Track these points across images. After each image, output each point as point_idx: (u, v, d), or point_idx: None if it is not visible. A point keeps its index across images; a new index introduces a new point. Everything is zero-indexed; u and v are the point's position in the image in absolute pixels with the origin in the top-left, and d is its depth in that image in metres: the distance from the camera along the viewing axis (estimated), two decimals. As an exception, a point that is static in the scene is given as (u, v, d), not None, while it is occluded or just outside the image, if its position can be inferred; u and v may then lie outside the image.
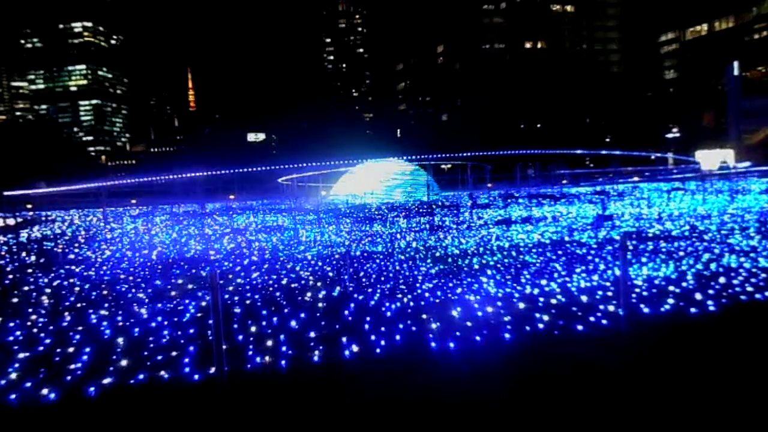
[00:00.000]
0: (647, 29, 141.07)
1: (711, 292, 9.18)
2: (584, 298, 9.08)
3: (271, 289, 11.02)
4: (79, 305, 10.21)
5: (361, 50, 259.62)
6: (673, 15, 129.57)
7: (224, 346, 6.16)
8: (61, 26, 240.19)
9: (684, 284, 9.83)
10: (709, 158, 78.05)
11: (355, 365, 6.63)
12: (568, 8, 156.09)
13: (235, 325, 8.23)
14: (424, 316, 8.32)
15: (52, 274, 13.83)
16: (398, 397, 5.69)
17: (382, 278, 11.51)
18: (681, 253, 13.06)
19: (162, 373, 6.49)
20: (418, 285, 10.63)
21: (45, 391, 6.01)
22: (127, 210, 46.90)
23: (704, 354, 6.58)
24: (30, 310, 9.84)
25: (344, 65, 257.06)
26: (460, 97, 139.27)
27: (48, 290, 11.77)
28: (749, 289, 9.29)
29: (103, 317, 9.19)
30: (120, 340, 7.83)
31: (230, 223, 29.00)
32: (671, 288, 9.57)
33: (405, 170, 55.31)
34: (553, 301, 9.04)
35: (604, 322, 7.79)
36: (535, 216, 25.52)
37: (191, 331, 8.14)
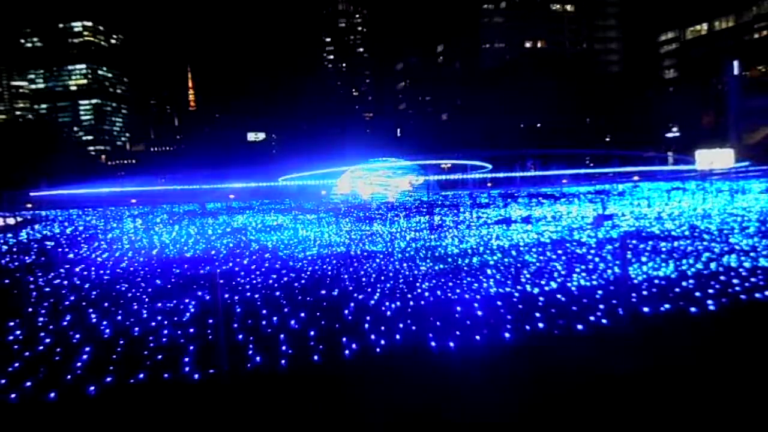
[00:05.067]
0: (647, 29, 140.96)
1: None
2: (584, 297, 9.08)
3: (269, 290, 11.02)
4: (77, 304, 10.21)
5: (361, 50, 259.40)
6: (673, 14, 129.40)
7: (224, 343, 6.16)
8: (61, 26, 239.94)
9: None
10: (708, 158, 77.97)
11: (356, 363, 6.64)
12: (568, 8, 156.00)
13: (235, 324, 8.24)
14: (426, 316, 8.32)
15: (52, 274, 13.84)
16: (398, 398, 5.69)
17: (382, 278, 11.51)
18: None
19: (163, 371, 6.49)
20: (417, 285, 10.64)
21: (40, 389, 6.02)
22: (127, 209, 46.91)
23: (703, 353, 6.60)
24: (30, 309, 9.83)
25: (344, 65, 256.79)
26: (460, 97, 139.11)
27: (47, 289, 11.77)
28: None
29: (102, 316, 9.18)
30: (119, 338, 7.83)
31: (230, 223, 29.00)
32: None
33: (405, 170, 55.35)
34: (553, 300, 9.04)
35: (603, 321, 7.79)
36: (535, 215, 25.53)
37: (191, 330, 8.14)
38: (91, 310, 9.63)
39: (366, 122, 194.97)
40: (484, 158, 71.46)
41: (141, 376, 6.39)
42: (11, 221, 34.80)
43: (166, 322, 8.65)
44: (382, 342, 7.22)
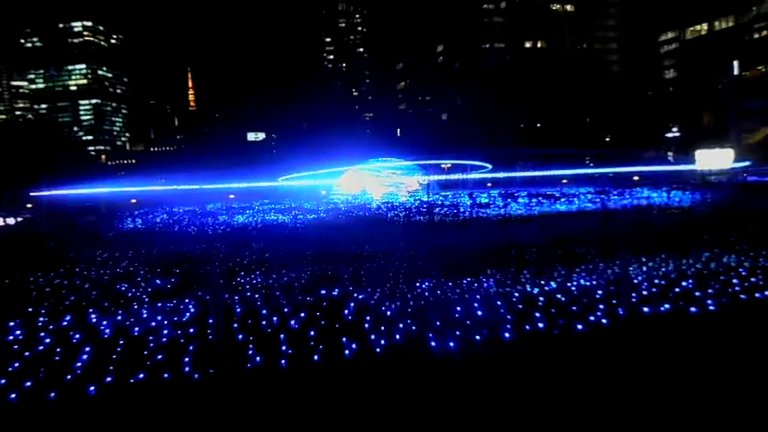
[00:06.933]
0: (647, 29, 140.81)
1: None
2: (583, 297, 9.09)
3: (269, 290, 11.04)
4: (77, 302, 10.22)
5: (361, 50, 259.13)
6: (673, 14, 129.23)
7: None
8: (61, 26, 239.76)
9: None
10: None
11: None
12: (568, 8, 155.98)
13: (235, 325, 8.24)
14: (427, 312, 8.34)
15: (53, 273, 13.84)
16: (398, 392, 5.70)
17: (382, 278, 11.52)
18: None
19: (163, 371, 6.50)
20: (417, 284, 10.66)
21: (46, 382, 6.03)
22: (127, 209, 46.90)
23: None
24: (30, 309, 9.84)
25: (344, 65, 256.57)
26: (460, 97, 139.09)
27: (48, 289, 11.77)
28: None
29: (102, 316, 9.18)
30: (119, 338, 7.84)
31: (231, 222, 29.01)
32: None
33: (405, 170, 55.36)
34: (552, 298, 9.05)
35: (603, 321, 7.81)
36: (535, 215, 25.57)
37: (191, 330, 8.14)
38: (90, 309, 9.63)
39: (366, 122, 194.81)
40: (484, 158, 71.42)
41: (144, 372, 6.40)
42: (11, 221, 34.81)
43: (165, 322, 8.65)
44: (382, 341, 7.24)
